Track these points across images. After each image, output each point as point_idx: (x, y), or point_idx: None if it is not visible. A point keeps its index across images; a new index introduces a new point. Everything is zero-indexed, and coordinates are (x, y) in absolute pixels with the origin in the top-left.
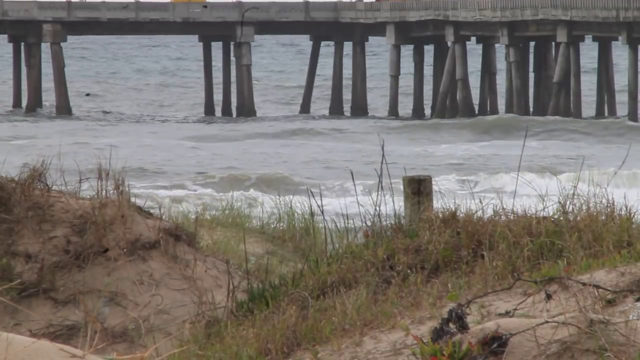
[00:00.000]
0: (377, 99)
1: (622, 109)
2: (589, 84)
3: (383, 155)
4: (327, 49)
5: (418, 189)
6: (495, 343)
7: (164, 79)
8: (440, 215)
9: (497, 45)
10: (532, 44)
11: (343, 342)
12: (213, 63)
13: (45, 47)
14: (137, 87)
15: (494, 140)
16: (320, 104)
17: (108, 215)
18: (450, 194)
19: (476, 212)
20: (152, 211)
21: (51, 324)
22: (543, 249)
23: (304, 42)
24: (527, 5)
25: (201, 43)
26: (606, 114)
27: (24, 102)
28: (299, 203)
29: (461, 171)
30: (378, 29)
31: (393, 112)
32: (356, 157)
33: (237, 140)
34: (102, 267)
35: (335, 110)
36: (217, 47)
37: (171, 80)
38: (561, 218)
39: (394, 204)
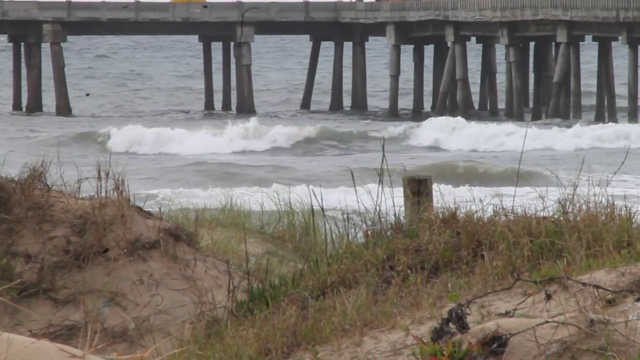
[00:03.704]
0: (376, 100)
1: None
2: (588, 84)
3: (384, 154)
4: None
5: (418, 189)
6: (495, 343)
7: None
8: (440, 216)
9: (497, 45)
10: (532, 44)
11: (343, 342)
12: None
13: (46, 47)
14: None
15: None
16: (320, 105)
17: (108, 215)
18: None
19: (476, 212)
20: (151, 211)
21: (51, 324)
22: (543, 249)
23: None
24: (527, 5)
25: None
26: (606, 114)
27: (24, 102)
28: (299, 203)
29: None
30: (378, 29)
31: (393, 112)
32: None
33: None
34: (102, 267)
35: (335, 110)
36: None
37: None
38: (561, 218)
39: (394, 204)
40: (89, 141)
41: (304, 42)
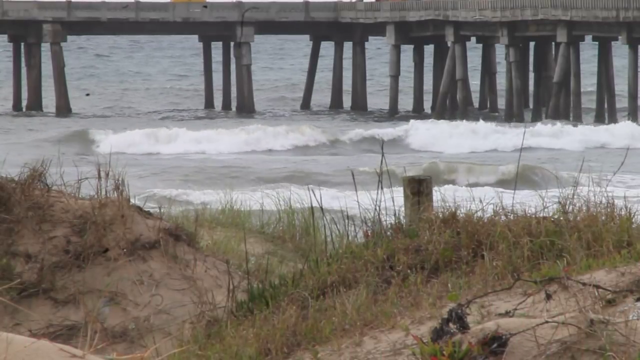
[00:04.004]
0: (377, 100)
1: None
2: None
3: (383, 154)
4: (327, 49)
5: (418, 189)
6: (495, 343)
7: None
8: (440, 215)
9: (497, 45)
10: (532, 44)
11: (343, 342)
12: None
13: (46, 47)
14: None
15: None
16: (320, 104)
17: (108, 215)
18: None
19: (476, 212)
20: (151, 211)
21: (51, 324)
22: (543, 249)
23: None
24: (527, 5)
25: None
26: (606, 114)
27: (24, 102)
28: (299, 203)
29: None
30: (378, 29)
31: (393, 112)
32: None
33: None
34: (102, 267)
35: (335, 110)
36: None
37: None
38: (561, 218)
39: (394, 204)
40: (86, 141)
41: (302, 42)
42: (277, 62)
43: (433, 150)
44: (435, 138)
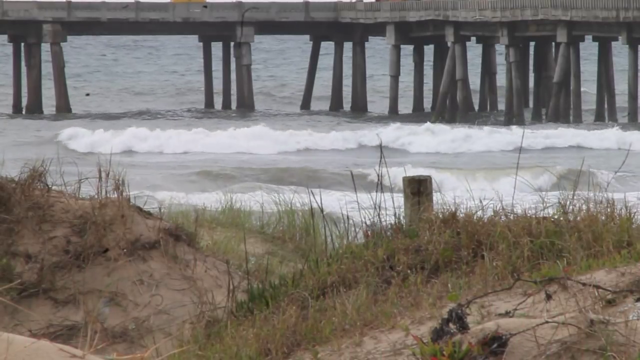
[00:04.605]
0: (377, 100)
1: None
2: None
3: (382, 154)
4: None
5: (418, 189)
6: (495, 343)
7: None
8: (440, 216)
9: (497, 45)
10: (532, 44)
11: (343, 342)
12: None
13: (46, 47)
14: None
15: None
16: (320, 105)
17: (108, 215)
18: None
19: (476, 212)
20: (152, 211)
21: (51, 324)
22: (543, 249)
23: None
24: (527, 5)
25: (201, 43)
26: (606, 114)
27: (24, 102)
28: (299, 203)
29: None
30: (378, 29)
31: (393, 112)
32: None
33: None
34: (102, 267)
35: (335, 111)
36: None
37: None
38: (561, 218)
39: (393, 204)
40: (85, 141)
41: (301, 42)
42: (277, 62)
43: (432, 151)
44: (435, 139)
